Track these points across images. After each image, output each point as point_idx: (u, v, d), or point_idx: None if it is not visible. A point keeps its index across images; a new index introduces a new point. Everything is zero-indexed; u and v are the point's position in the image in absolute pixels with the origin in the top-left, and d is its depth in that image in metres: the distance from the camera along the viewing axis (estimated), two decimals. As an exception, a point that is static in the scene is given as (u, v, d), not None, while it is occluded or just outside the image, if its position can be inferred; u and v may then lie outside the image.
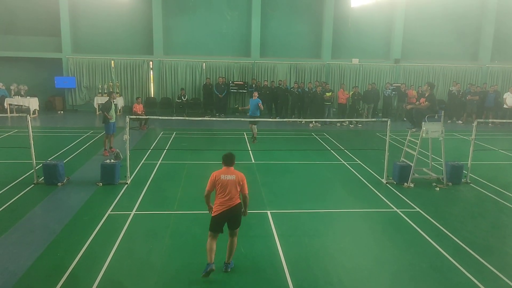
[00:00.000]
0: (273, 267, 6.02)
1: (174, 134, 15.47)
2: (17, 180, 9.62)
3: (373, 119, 17.69)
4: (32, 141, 9.40)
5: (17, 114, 17.16)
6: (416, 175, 10.12)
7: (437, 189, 9.75)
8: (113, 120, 12.05)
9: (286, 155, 12.54)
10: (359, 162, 11.96)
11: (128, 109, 19.46)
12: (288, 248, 6.59)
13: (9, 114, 18.20)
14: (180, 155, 12.27)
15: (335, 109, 19.86)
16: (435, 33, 21.85)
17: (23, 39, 20.33)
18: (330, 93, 18.75)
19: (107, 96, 12.78)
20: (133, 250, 6.46)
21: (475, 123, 10.34)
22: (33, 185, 9.34)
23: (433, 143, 10.55)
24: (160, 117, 12.44)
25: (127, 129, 9.75)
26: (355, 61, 21.63)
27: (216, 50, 21.20)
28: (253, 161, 11.71)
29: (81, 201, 8.47)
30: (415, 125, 10.40)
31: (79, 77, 20.44)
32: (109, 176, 9.46)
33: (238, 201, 5.76)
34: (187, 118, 12.50)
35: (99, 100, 19.47)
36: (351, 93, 19.45)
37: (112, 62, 20.52)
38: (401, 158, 10.64)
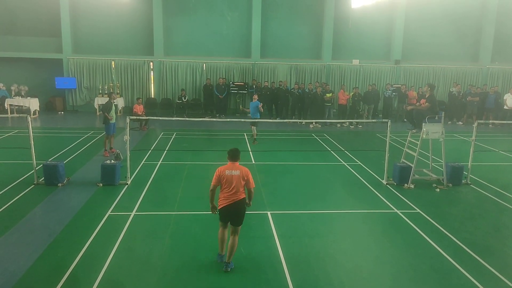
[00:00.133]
0: (273, 267, 6.02)
1: (174, 134, 15.48)
2: (18, 181, 9.62)
3: (373, 120, 17.69)
4: (32, 142, 9.41)
5: (18, 115, 17.16)
6: (416, 176, 10.12)
7: (438, 190, 9.74)
8: (113, 121, 12.06)
9: (286, 156, 12.54)
10: (360, 163, 11.96)
11: (128, 110, 19.47)
12: (288, 248, 6.58)
13: (9, 115, 18.21)
14: (181, 156, 12.27)
15: (335, 110, 19.87)
16: (435, 34, 21.86)
17: (24, 39, 20.36)
18: (331, 94, 18.76)
19: (107, 96, 12.79)
20: (134, 250, 6.46)
21: (475, 124, 10.33)
22: (33, 185, 9.34)
23: (433, 144, 10.55)
24: (160, 118, 12.45)
25: (128, 129, 9.75)
26: (356, 62, 21.64)
27: (217, 51, 21.22)
28: (253, 162, 11.71)
29: (81, 202, 8.47)
30: (415, 126, 10.39)
31: (80, 77, 20.45)
32: (110, 177, 9.46)
33: (243, 196, 5.87)
34: (187, 118, 12.48)
35: (100, 100, 19.47)
36: (351, 94, 19.45)
37: (113, 62, 20.53)
38: (402, 159, 10.63)
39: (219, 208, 5.89)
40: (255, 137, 14.30)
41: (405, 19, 21.52)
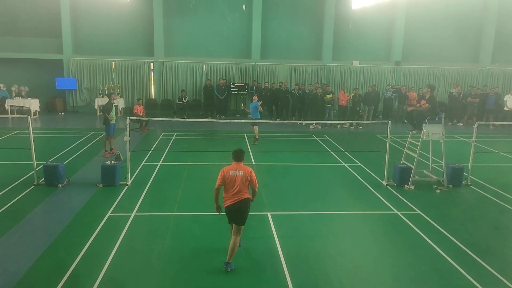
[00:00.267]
0: (273, 268, 6.02)
1: (174, 135, 15.48)
2: (18, 181, 9.62)
3: (373, 121, 17.69)
4: (32, 142, 9.41)
5: (18, 115, 17.21)
6: (416, 177, 10.11)
7: (438, 191, 9.74)
8: (113, 122, 12.06)
9: (286, 157, 12.54)
10: (360, 164, 11.96)
11: (128, 111, 19.49)
12: (288, 249, 6.58)
13: (10, 115, 18.23)
14: (181, 157, 12.27)
15: (335, 111, 19.87)
16: (436, 35, 21.88)
17: (24, 40, 20.38)
18: (331, 95, 18.77)
19: (108, 97, 12.80)
20: (134, 251, 6.45)
21: (475, 125, 10.33)
22: (33, 186, 9.34)
23: (433, 145, 10.55)
24: (160, 119, 12.42)
25: (128, 130, 9.75)
26: (356, 63, 21.64)
27: (217, 52, 21.23)
28: (254, 163, 11.71)
29: (81, 202, 8.47)
30: (415, 127, 10.39)
31: (80, 78, 20.47)
32: (110, 178, 9.46)
33: (246, 196, 5.95)
34: (187, 119, 12.47)
35: (100, 101, 19.48)
36: (351, 95, 19.46)
37: (113, 63, 20.55)
38: (402, 160, 10.63)
39: (224, 207, 6.01)
40: (257, 137, 14.31)
41: (406, 20, 21.54)
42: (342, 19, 21.08)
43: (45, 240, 6.74)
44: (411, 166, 9.96)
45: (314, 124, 18.22)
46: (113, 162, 9.89)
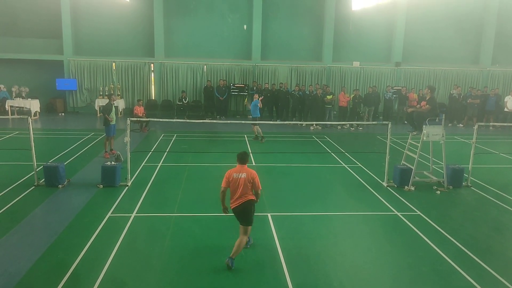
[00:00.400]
0: (274, 269, 6.02)
1: (175, 136, 15.48)
2: (18, 182, 9.62)
3: (374, 122, 17.69)
4: (33, 143, 9.41)
5: (18, 116, 17.24)
6: (417, 178, 10.11)
7: (438, 192, 9.74)
8: (113, 122, 12.07)
9: (286, 158, 12.54)
10: (360, 165, 11.96)
11: (129, 111, 19.49)
12: (288, 250, 6.58)
13: (10, 116, 18.24)
14: (181, 158, 12.27)
15: (336, 112, 19.85)
16: (436, 36, 21.89)
17: (25, 41, 20.40)
18: (331, 96, 18.77)
19: (108, 98, 12.80)
20: (134, 252, 6.46)
21: (476, 127, 10.34)
22: (33, 187, 9.34)
23: (434, 146, 10.54)
24: (161, 120, 12.42)
25: (128, 131, 9.75)
26: (356, 64, 21.65)
27: (217, 53, 21.24)
28: (254, 164, 11.71)
29: (81, 203, 8.47)
30: (416, 128, 10.40)
31: (80, 79, 20.48)
32: (110, 178, 9.46)
33: (250, 197, 6.09)
34: (188, 120, 12.48)
35: (100, 102, 19.48)
36: (352, 96, 19.45)
37: (114, 64, 20.56)
38: (402, 161, 10.63)
39: (231, 208, 6.19)
40: (261, 135, 14.38)
41: (406, 21, 21.55)
42: (342, 20, 21.09)
43: (45, 240, 6.74)
44: (411, 167, 9.96)
45: (314, 125, 18.23)
46: (113, 163, 9.89)
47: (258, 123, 14.58)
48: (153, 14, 20.32)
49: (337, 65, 21.56)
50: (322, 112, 18.50)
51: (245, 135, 15.76)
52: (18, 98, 18.96)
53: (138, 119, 14.58)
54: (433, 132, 9.73)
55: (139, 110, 16.36)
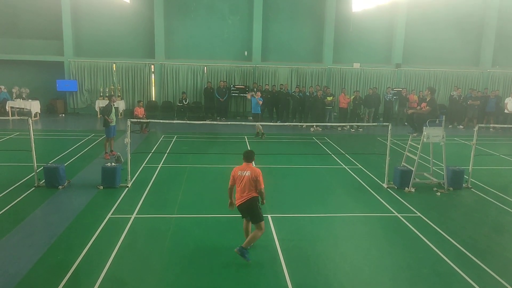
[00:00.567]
0: (274, 270, 6.01)
1: (175, 137, 15.49)
2: (18, 183, 9.62)
3: (374, 124, 17.70)
4: (33, 144, 9.41)
5: (19, 117, 17.23)
6: (417, 179, 10.11)
7: (438, 194, 9.74)
8: (113, 124, 12.07)
9: (287, 159, 12.55)
10: (360, 166, 11.96)
11: (129, 113, 19.50)
12: (288, 251, 6.58)
13: (10, 117, 18.23)
14: (181, 159, 12.27)
15: (336, 114, 19.87)
16: (436, 38, 21.91)
17: (25, 42, 20.42)
18: (331, 97, 18.77)
19: (108, 99, 12.82)
20: (134, 253, 6.45)
21: (476, 128, 10.34)
22: (34, 188, 9.34)
23: (434, 148, 10.54)
24: (161, 121, 12.43)
25: (128, 132, 9.76)
26: (356, 65, 21.66)
27: (218, 54, 21.26)
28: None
29: (82, 204, 8.47)
30: (416, 130, 10.40)
31: (81, 80, 20.50)
32: (110, 179, 9.46)
33: (253, 194, 6.20)
34: (188, 121, 12.50)
35: (101, 103, 19.48)
36: (352, 97, 19.46)
37: (114, 65, 20.57)
38: (402, 163, 10.63)
39: (236, 206, 6.36)
40: (262, 131, 14.42)
41: (406, 22, 21.57)
42: (342, 22, 21.11)
43: (45, 241, 6.74)
44: (412, 168, 9.96)
45: (314, 126, 18.23)
46: (113, 164, 9.88)
47: (258, 118, 14.70)
48: (154, 15, 20.34)
49: (337, 66, 21.57)
50: (323, 113, 18.50)
51: (245, 136, 15.76)
52: (19, 99, 18.97)
53: (139, 120, 14.58)
54: (433, 134, 9.73)
55: (140, 111, 16.37)
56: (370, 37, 21.83)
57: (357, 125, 18.51)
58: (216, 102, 20.31)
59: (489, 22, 21.96)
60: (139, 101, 17.19)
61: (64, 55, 20.26)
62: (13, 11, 20.25)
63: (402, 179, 9.91)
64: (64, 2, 19.69)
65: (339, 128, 18.64)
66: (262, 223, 6.25)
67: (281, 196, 9.34)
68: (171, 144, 14.38)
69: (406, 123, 16.01)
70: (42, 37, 20.62)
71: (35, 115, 19.02)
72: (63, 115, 20.42)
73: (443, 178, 10.08)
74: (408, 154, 10.56)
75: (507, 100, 19.21)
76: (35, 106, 19.00)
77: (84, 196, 8.93)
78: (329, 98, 18.52)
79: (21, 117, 11.34)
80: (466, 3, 21.81)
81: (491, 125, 17.76)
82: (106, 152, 12.26)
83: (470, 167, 10.30)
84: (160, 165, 11.51)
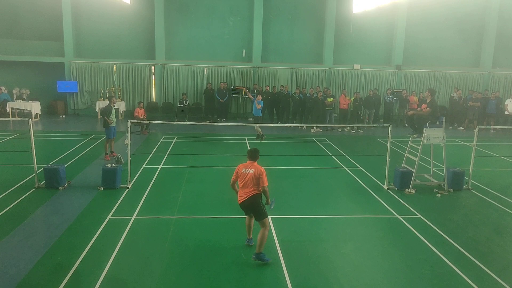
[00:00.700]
0: (274, 272, 6.01)
1: (175, 138, 15.50)
2: (18, 184, 9.63)
3: (374, 125, 17.71)
4: (33, 145, 9.41)
5: (19, 118, 17.25)
6: (417, 181, 10.11)
7: (439, 195, 9.73)
8: (113, 125, 12.08)
9: (287, 160, 12.55)
10: (360, 167, 11.95)
11: (129, 114, 19.51)
12: (288, 253, 6.58)
13: (11, 118, 18.26)
14: (181, 160, 12.27)
15: (336, 115, 19.88)
16: (437, 39, 21.94)
17: (26, 43, 20.45)
18: (332, 98, 18.77)
19: (108, 100, 12.83)
20: (134, 254, 6.45)
21: (476, 130, 10.34)
22: (34, 189, 9.34)
23: (434, 149, 10.54)
24: (161, 122, 12.41)
25: (129, 133, 9.77)
26: (357, 66, 21.68)
27: (218, 55, 21.29)
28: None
29: (82, 205, 8.47)
30: (416, 131, 10.39)
31: (81, 81, 20.52)
32: (110, 181, 9.46)
33: (255, 192, 6.25)
34: (188, 122, 12.50)
35: (101, 104, 19.48)
36: (352, 98, 19.46)
37: (114, 66, 20.60)
38: (402, 164, 10.63)
39: (239, 203, 6.39)
40: (262, 133, 14.45)
41: (406, 24, 21.60)
42: (343, 23, 21.14)
43: (45, 242, 6.74)
44: (412, 170, 9.96)
45: (314, 127, 18.23)
46: (113, 165, 9.88)
47: (259, 120, 14.72)
48: (154, 17, 20.38)
49: (337, 67, 21.59)
50: (323, 114, 18.50)
51: (246, 137, 15.76)
52: (19, 100, 19.00)
53: (139, 121, 14.60)
54: (433, 135, 9.73)
55: (140, 112, 16.37)
56: (370, 38, 21.86)
57: (357, 126, 18.50)
58: (216, 103, 20.32)
59: (489, 23, 21.99)
60: (139, 102, 17.19)
61: (64, 56, 20.29)
62: (14, 12, 20.28)
63: (403, 180, 9.91)
64: (64, 3, 19.73)
65: (340, 130, 18.64)
66: (266, 220, 6.28)
67: (281, 197, 9.29)
68: (171, 145, 14.39)
69: (406, 125, 15.96)
70: (43, 38, 20.65)
71: (36, 116, 19.04)
72: (64, 116, 20.44)
73: (444, 180, 10.08)
74: (409, 155, 10.56)
75: (507, 102, 19.22)
76: (35, 107, 19.02)
77: (84, 197, 8.93)
78: (329, 100, 18.53)
79: (22, 118, 11.35)
80: (467, 4, 21.83)
81: (492, 127, 17.76)
82: (106, 153, 12.26)
83: (470, 169, 10.30)
84: (160, 166, 11.51)
